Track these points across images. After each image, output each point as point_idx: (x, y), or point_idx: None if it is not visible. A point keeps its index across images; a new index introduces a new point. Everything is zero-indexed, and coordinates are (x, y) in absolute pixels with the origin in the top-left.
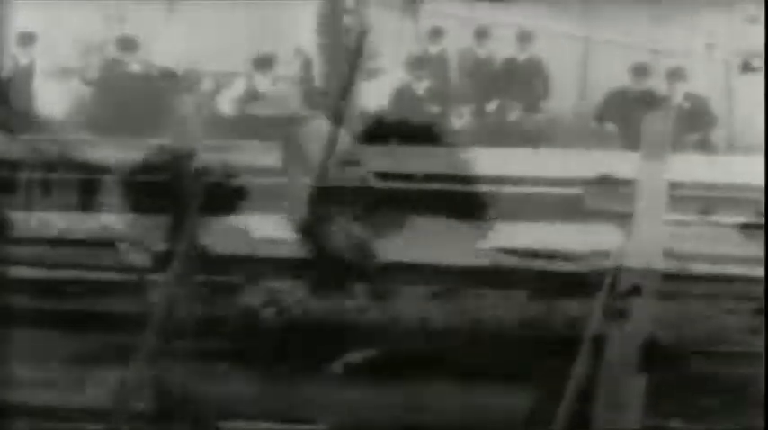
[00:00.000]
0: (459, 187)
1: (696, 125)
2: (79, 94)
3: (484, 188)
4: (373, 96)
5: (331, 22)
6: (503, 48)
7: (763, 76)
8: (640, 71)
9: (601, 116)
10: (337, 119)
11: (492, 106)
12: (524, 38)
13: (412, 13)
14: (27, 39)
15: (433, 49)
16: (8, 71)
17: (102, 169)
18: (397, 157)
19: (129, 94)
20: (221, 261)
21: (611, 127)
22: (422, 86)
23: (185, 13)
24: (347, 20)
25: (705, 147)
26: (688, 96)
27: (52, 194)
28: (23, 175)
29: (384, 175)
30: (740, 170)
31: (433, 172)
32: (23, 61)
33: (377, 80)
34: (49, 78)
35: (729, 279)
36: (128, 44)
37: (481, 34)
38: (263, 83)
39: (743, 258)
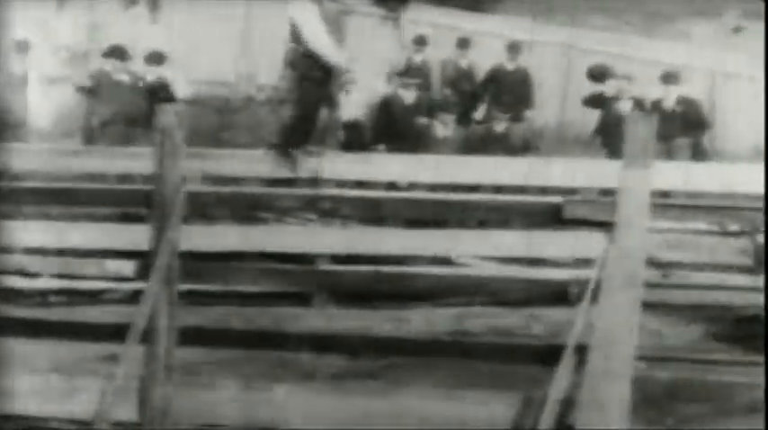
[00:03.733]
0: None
1: (689, 129)
2: (67, 103)
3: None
4: (356, 105)
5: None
6: (486, 57)
7: (764, 79)
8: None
9: (598, 131)
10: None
11: (478, 114)
12: (513, 48)
13: (394, 22)
14: (21, 47)
15: (416, 58)
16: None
17: (87, 178)
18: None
19: (117, 103)
20: None
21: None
22: (409, 95)
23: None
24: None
25: (697, 151)
26: (681, 100)
27: (35, 203)
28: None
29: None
30: (724, 177)
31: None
32: (16, 69)
33: (359, 89)
34: (38, 86)
35: (712, 287)
36: (115, 53)
37: (463, 44)
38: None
39: (726, 266)
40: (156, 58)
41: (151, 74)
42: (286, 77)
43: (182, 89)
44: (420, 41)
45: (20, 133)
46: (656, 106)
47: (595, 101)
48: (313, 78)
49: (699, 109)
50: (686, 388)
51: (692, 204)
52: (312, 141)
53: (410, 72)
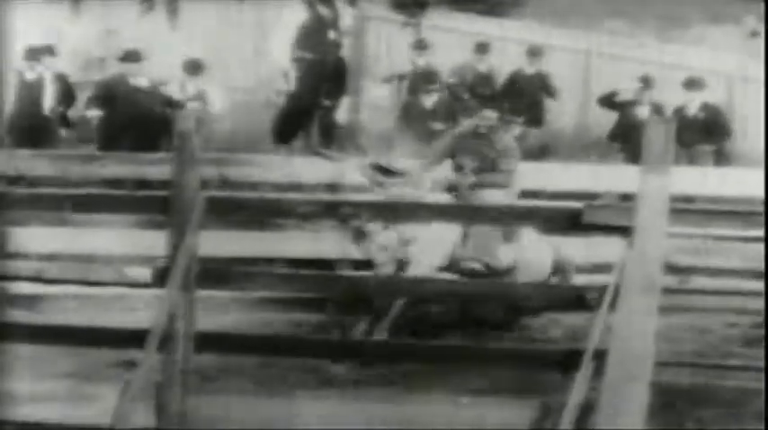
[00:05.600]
0: None
1: (711, 136)
2: (83, 109)
3: None
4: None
5: (312, 35)
6: (505, 62)
7: (764, 84)
8: (645, 83)
9: (614, 136)
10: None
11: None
12: (533, 52)
13: (414, 27)
14: (34, 53)
15: (420, 62)
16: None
17: (105, 183)
18: None
19: (132, 109)
20: None
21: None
22: (429, 100)
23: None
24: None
25: (719, 157)
26: (704, 107)
27: (53, 209)
28: (23, 190)
29: None
30: (741, 182)
31: None
32: (30, 76)
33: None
34: (54, 92)
35: (729, 293)
36: (132, 57)
37: (481, 49)
38: None
39: (743, 271)
40: (193, 67)
41: (190, 83)
42: (287, 76)
43: (218, 102)
44: (421, 45)
45: (37, 139)
46: (679, 112)
47: (608, 101)
48: (311, 75)
49: (722, 116)
50: (704, 393)
51: (711, 209)
52: (331, 146)
53: (423, 77)
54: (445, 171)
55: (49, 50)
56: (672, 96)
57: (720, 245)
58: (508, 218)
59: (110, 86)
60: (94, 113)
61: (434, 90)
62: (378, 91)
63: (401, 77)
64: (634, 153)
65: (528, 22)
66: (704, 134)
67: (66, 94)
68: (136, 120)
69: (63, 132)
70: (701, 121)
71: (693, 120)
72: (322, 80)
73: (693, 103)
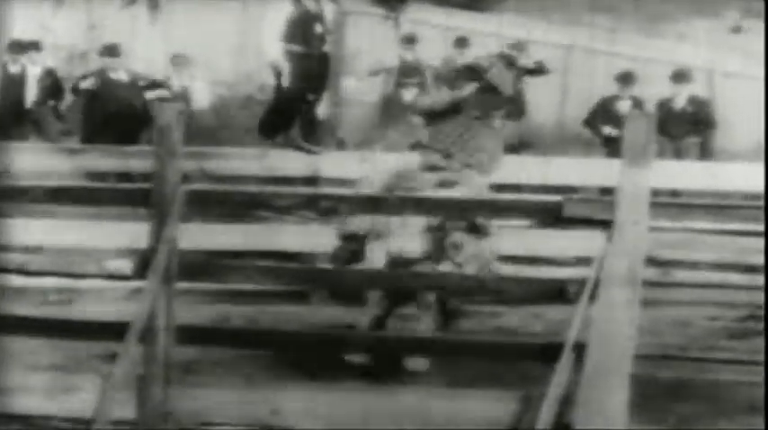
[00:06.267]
0: None
1: (698, 129)
2: (67, 102)
3: None
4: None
5: (300, 29)
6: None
7: (763, 79)
8: (627, 78)
9: (590, 122)
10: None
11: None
12: (516, 47)
13: (394, 21)
14: (18, 47)
15: (408, 57)
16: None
17: (87, 176)
18: None
19: (112, 103)
20: None
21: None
22: (409, 94)
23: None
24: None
25: (705, 150)
26: (692, 100)
27: (35, 201)
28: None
29: None
30: (723, 176)
31: None
32: (14, 69)
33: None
34: (36, 86)
35: (711, 286)
36: (111, 51)
37: (461, 43)
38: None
39: (725, 265)
40: (179, 62)
41: (176, 78)
42: (281, 70)
43: (201, 97)
44: (410, 40)
45: (19, 132)
46: (665, 105)
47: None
48: (300, 69)
49: (708, 108)
50: (686, 387)
51: (692, 203)
52: (311, 140)
53: (405, 71)
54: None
55: (34, 46)
56: (653, 91)
57: (703, 238)
58: (488, 211)
59: (90, 80)
60: (88, 84)
61: (414, 84)
62: (358, 85)
63: (388, 71)
64: (613, 145)
65: (509, 16)
66: (691, 127)
67: (55, 87)
68: (116, 113)
69: (55, 125)
70: (689, 114)
71: (681, 113)
72: (310, 75)
73: (680, 97)
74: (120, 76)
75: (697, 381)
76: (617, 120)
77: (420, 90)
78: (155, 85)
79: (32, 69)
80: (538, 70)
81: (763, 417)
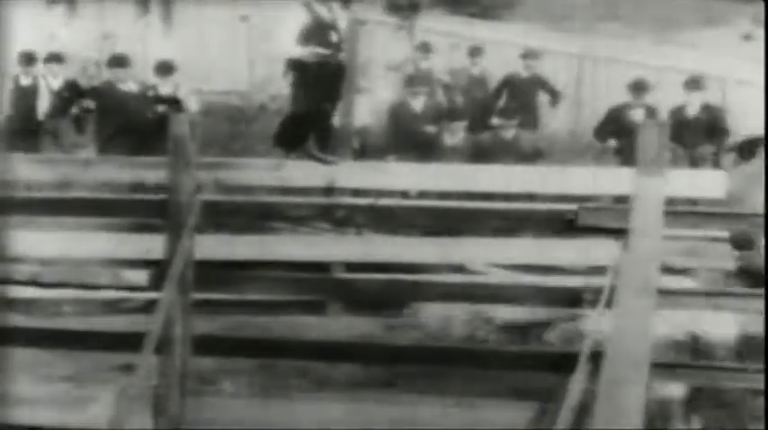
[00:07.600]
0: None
1: (712, 136)
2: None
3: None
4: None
5: (316, 37)
6: (499, 65)
7: (764, 81)
8: (640, 87)
9: (599, 133)
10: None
11: (494, 122)
12: (528, 56)
13: (408, 30)
14: (29, 59)
15: (423, 65)
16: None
17: (101, 187)
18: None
19: (122, 114)
20: None
21: (611, 143)
22: (418, 103)
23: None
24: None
25: (718, 158)
26: (705, 107)
27: (49, 213)
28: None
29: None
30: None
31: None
32: (26, 81)
33: (370, 96)
34: (49, 97)
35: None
36: (120, 62)
37: (475, 52)
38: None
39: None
40: (164, 69)
41: (162, 85)
42: (287, 79)
43: (189, 105)
44: (425, 49)
45: (33, 143)
46: (678, 113)
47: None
48: (311, 80)
49: (721, 116)
50: (700, 394)
51: (706, 211)
52: (326, 150)
53: (417, 80)
54: None
55: (56, 58)
56: (666, 99)
57: (715, 247)
58: (504, 221)
59: (99, 92)
60: (86, 104)
61: (421, 93)
62: (380, 93)
63: (404, 71)
64: (628, 154)
65: (521, 25)
66: (706, 135)
67: (77, 99)
68: (126, 125)
69: (71, 136)
70: (703, 122)
71: (694, 121)
72: (326, 84)
73: (693, 105)
74: (130, 87)
75: (711, 389)
76: (629, 130)
77: (428, 98)
78: (163, 100)
79: (54, 82)
80: None
81: (764, 424)
